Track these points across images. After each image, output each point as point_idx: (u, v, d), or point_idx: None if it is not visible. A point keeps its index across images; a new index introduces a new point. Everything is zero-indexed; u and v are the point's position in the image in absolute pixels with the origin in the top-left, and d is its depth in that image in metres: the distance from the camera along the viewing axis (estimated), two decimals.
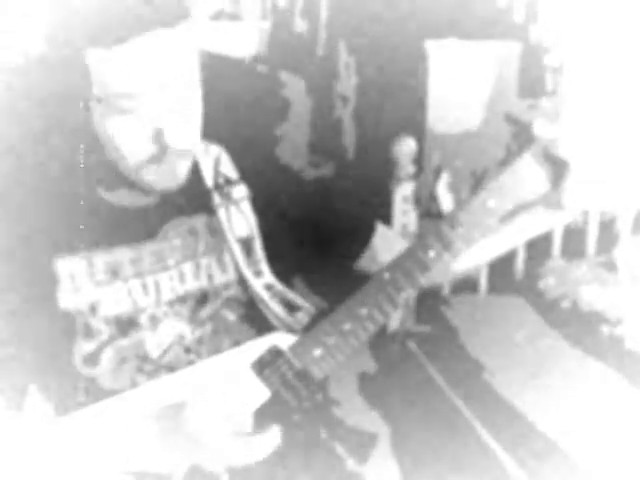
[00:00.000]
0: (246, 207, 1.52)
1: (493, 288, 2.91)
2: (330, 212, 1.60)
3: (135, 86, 1.30)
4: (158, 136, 1.34)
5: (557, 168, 1.35)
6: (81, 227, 1.43)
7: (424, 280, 1.39)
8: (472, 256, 1.49)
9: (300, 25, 3.40)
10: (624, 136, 1.34)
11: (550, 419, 2.12)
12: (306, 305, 1.52)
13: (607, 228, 2.90)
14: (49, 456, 1.34)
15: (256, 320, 1.54)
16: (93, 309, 1.44)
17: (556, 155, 1.34)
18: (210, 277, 1.52)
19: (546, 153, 1.34)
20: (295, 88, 3.24)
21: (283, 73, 3.20)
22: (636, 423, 2.06)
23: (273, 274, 1.53)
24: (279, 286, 1.53)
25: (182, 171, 1.42)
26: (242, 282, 1.53)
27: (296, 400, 1.39)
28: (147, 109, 1.32)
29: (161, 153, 1.35)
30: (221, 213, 1.50)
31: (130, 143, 1.35)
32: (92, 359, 1.45)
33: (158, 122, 1.33)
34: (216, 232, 1.51)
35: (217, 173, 1.52)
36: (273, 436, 1.36)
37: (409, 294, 1.40)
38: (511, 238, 1.51)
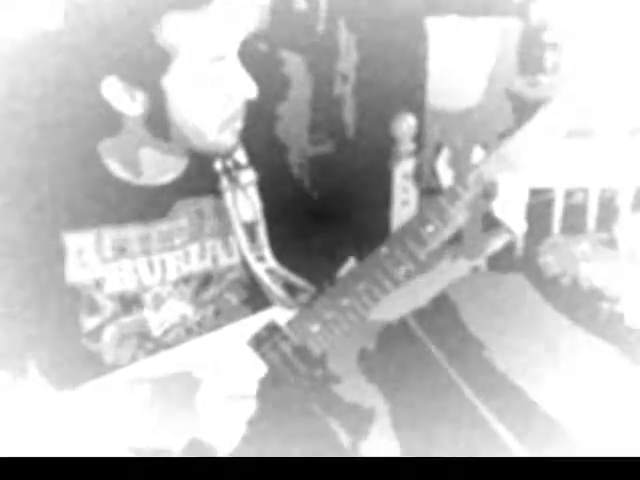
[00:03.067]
0: (252, 192, 1.52)
1: (493, 265, 2.90)
2: (331, 192, 1.60)
3: (220, 48, 1.34)
4: (240, 94, 1.40)
5: None
6: (91, 202, 1.44)
7: (422, 255, 1.39)
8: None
9: (300, 2, 3.38)
10: (621, 112, 1.33)
11: (549, 395, 2.12)
12: (308, 287, 1.52)
13: (607, 205, 2.89)
14: (50, 429, 1.35)
15: (258, 303, 1.54)
16: (99, 285, 1.44)
17: None
18: (215, 259, 1.52)
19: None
20: (295, 66, 3.23)
21: (283, 51, 3.19)
22: (636, 399, 2.07)
23: (275, 256, 1.54)
24: (281, 270, 1.53)
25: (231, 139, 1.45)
26: (246, 265, 1.53)
27: (294, 376, 1.40)
28: (229, 70, 1.36)
29: (239, 111, 1.41)
30: (227, 196, 1.51)
31: (214, 105, 1.37)
32: (95, 334, 1.46)
33: (237, 81, 1.38)
34: (223, 215, 1.51)
35: (227, 155, 1.52)
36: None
37: (408, 269, 1.40)
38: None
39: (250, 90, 1.38)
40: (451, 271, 1.47)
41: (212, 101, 1.36)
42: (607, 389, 2.16)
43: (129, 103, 1.34)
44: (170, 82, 1.33)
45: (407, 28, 3.23)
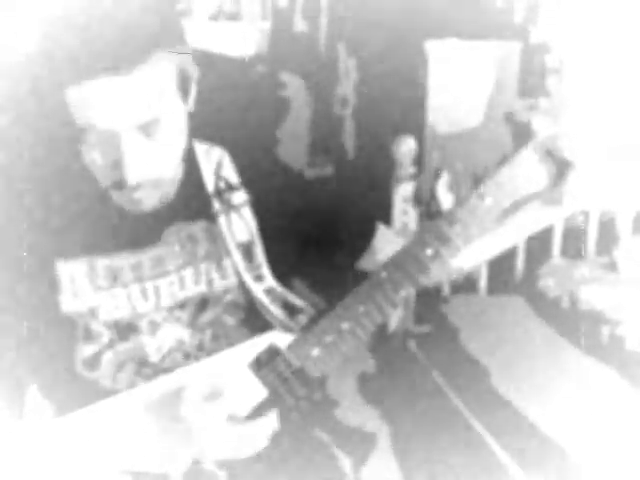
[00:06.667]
0: (246, 212, 1.52)
1: (493, 288, 2.90)
2: (331, 212, 1.60)
3: (111, 120, 1.28)
4: (117, 166, 1.32)
5: (557, 165, 1.34)
6: (83, 231, 1.43)
7: (422, 278, 1.39)
8: (472, 254, 1.48)
9: (300, 25, 3.40)
10: (624, 136, 1.33)
11: (550, 419, 2.11)
12: (307, 307, 1.51)
13: (607, 228, 2.89)
14: (49, 456, 1.34)
15: (256, 324, 1.53)
16: (93, 313, 1.44)
17: (556, 152, 1.33)
18: (210, 282, 1.51)
19: (546, 149, 1.34)
20: (295, 88, 3.24)
21: (283, 73, 3.20)
22: (636, 424, 2.06)
23: (273, 275, 1.53)
24: (280, 290, 1.52)
25: (150, 199, 1.40)
26: (242, 286, 1.52)
27: (293, 399, 1.39)
28: (115, 140, 1.30)
29: (121, 182, 1.33)
30: (221, 220, 1.50)
31: (98, 167, 1.34)
32: (92, 362, 1.46)
33: (120, 153, 1.30)
34: (216, 238, 1.51)
35: (218, 177, 1.51)
36: (269, 422, 1.36)
37: (407, 292, 1.39)
38: (510, 235, 1.50)
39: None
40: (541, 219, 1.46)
41: (97, 163, 1.34)
42: (607, 412, 2.15)
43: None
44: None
45: (407, 51, 3.25)
